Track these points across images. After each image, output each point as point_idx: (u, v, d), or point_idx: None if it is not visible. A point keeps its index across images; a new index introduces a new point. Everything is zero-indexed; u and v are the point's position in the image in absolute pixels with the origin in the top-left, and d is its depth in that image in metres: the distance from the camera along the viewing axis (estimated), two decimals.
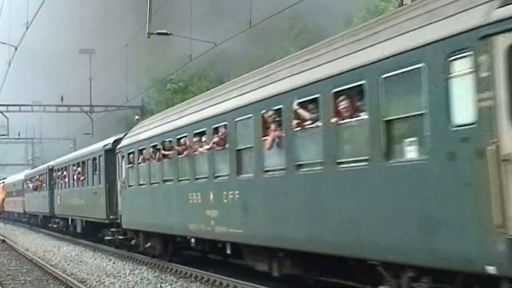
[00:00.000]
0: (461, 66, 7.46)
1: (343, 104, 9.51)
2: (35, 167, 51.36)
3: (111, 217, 23.87)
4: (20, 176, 51.83)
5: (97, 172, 26.14)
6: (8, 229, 45.52)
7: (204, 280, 15.69)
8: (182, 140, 15.92)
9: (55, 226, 36.73)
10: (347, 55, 9.59)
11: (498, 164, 6.94)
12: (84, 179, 28.61)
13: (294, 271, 12.14)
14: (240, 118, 12.76)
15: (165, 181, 17.11)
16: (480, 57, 7.18)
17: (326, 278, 12.58)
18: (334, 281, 12.51)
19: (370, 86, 8.90)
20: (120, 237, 23.35)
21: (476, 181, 7.25)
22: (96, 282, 16.43)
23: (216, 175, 13.96)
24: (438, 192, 7.83)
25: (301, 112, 10.54)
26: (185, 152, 15.61)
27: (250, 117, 12.28)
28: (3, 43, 33.31)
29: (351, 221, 9.44)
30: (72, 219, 31.94)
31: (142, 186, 19.06)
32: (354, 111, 9.42)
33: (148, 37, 23.56)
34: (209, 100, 15.16)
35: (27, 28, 27.12)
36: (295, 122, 10.71)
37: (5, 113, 40.14)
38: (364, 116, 9.13)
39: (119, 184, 21.97)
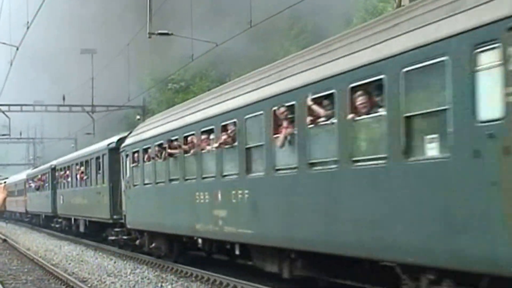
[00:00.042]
0: (488, 58, 7.16)
1: (360, 100, 9.23)
2: (37, 167, 51.20)
3: (115, 217, 23.65)
4: (22, 175, 51.68)
5: (100, 171, 25.89)
6: (10, 229, 45.50)
7: (205, 279, 15.56)
8: (189, 138, 15.62)
9: (57, 226, 36.51)
10: (364, 48, 9.28)
11: None
12: (87, 178, 28.37)
13: (306, 273, 11.86)
14: (251, 115, 12.44)
15: (171, 180, 16.79)
16: (509, 49, 6.87)
17: (337, 280, 12.28)
18: (347, 283, 12.20)
19: (389, 81, 8.60)
20: (124, 237, 23.17)
21: (502, 179, 6.97)
22: (97, 281, 16.32)
23: (224, 174, 13.64)
24: (461, 191, 7.54)
25: (315, 108, 10.25)
26: (192, 151, 15.29)
27: (261, 114, 11.97)
28: (4, 43, 33.19)
29: (368, 221, 9.15)
30: (75, 219, 31.73)
31: (147, 186, 18.76)
32: (372, 107, 9.14)
33: (149, 37, 23.49)
34: (218, 97, 14.84)
35: (28, 28, 26.97)
36: (308, 118, 10.40)
37: (6, 113, 40.10)
38: (382, 112, 8.84)
39: (123, 183, 21.70)
